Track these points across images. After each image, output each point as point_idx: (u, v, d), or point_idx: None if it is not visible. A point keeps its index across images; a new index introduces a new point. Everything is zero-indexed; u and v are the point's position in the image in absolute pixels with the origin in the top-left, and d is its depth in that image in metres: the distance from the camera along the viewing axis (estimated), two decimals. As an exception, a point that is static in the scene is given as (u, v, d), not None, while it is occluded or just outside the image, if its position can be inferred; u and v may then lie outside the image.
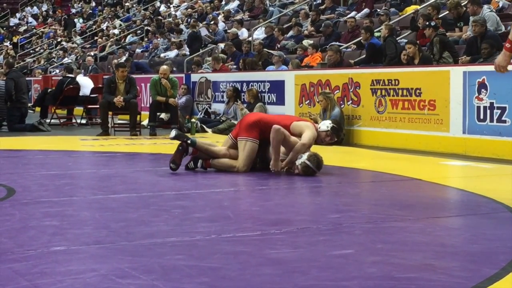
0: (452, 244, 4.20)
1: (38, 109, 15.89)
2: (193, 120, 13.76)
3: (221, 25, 20.78)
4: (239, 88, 14.16)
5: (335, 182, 6.91)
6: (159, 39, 22.52)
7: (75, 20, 34.64)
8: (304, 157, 7.09)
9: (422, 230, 4.56)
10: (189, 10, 25.23)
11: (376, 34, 13.67)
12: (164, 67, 13.51)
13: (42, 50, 32.03)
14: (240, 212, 5.15)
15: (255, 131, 7.39)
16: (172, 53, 20.49)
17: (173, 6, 27.70)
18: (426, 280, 3.32)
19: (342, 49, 13.67)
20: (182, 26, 22.95)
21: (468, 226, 4.77)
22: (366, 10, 16.25)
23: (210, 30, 20.37)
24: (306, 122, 7.63)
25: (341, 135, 7.70)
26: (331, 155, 8.31)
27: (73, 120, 16.45)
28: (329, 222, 4.80)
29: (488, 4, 12.14)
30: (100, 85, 16.74)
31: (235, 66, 16.37)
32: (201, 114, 15.13)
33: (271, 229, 4.46)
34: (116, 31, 28.34)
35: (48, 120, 15.47)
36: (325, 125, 7.50)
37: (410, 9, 15.02)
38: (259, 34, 18.18)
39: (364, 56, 13.26)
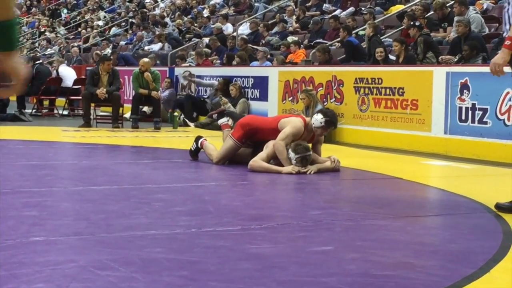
0: (431, 243, 4.22)
1: (13, 98, 15.75)
2: (175, 113, 13.74)
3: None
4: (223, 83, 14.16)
5: (317, 179, 6.92)
6: (143, 32, 22.45)
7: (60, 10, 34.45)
8: (291, 153, 7.09)
9: (401, 229, 4.58)
10: (176, 3, 25.15)
11: (361, 33, 13.71)
12: (145, 60, 13.46)
13: (25, 40, 31.80)
14: (221, 206, 5.15)
15: (241, 133, 7.50)
16: (156, 46, 20.43)
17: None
18: (404, 278, 3.33)
19: (329, 47, 13.67)
20: (167, 20, 22.88)
21: (447, 226, 4.80)
22: (351, 9, 16.28)
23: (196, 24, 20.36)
24: (292, 118, 7.49)
25: (336, 122, 7.56)
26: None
27: (55, 111, 16.37)
28: (309, 218, 4.81)
29: (474, 6, 12.20)
30: (83, 77, 16.67)
31: (219, 61, 16.35)
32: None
33: (251, 224, 4.46)
34: (101, 23, 28.21)
35: (29, 111, 15.38)
36: (318, 121, 7.27)
37: (395, 9, 15.08)
38: (244, 29, 18.17)
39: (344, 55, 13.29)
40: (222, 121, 8.38)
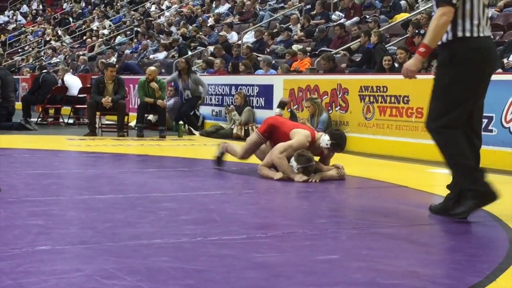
0: (437, 252, 4.22)
1: (19, 106, 15.81)
2: (180, 122, 13.76)
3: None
4: (228, 91, 14.19)
5: (322, 188, 6.92)
6: (148, 40, 22.50)
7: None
8: (294, 163, 7.10)
9: (407, 237, 4.57)
10: (181, 12, 25.22)
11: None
12: (151, 68, 13.48)
13: (30, 49, 31.91)
14: (226, 215, 5.15)
15: (264, 128, 7.61)
16: (161, 55, 20.47)
17: (165, 7, 27.68)
18: (410, 287, 3.33)
19: (333, 56, 13.69)
20: (172, 28, 22.94)
21: (453, 234, 4.79)
22: (356, 18, 16.30)
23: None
24: (301, 131, 7.42)
25: (343, 146, 7.50)
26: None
27: (60, 120, 16.41)
28: (315, 227, 4.80)
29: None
30: (89, 85, 16.71)
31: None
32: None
33: (257, 233, 4.46)
34: (106, 32, 28.29)
35: (35, 119, 15.42)
36: (325, 142, 7.26)
37: (399, 17, 15.09)
38: (249, 37, 18.21)
39: (358, 59, 13.28)
40: (277, 111, 8.60)
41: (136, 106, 14.61)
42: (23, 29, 36.75)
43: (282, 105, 8.79)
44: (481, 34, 4.96)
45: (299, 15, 18.33)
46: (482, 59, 5.01)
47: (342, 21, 16.34)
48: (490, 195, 5.02)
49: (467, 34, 4.95)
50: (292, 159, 7.12)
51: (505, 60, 10.14)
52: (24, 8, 40.79)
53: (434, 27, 4.97)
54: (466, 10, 4.93)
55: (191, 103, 14.22)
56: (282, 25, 17.91)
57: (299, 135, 7.32)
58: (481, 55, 5.00)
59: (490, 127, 8.91)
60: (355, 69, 12.68)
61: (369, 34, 13.39)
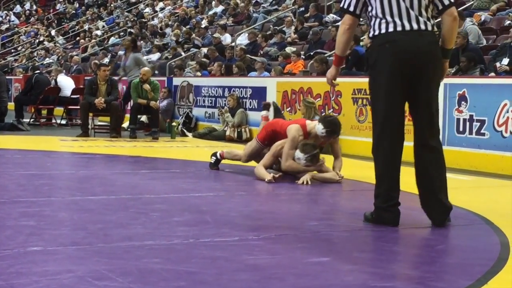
0: (428, 254, 4.22)
1: (12, 107, 15.77)
2: (173, 123, 13.75)
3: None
4: (221, 93, 14.20)
5: (314, 190, 6.93)
6: (141, 41, 22.48)
7: (56, 21, 34.51)
8: (300, 154, 7.21)
9: (399, 240, 4.58)
10: (175, 13, 25.21)
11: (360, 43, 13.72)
12: (145, 69, 13.48)
13: (23, 49, 31.84)
14: (219, 217, 5.14)
15: (263, 134, 7.73)
16: (154, 56, 20.46)
17: (159, 8, 27.66)
18: (402, 290, 3.33)
19: (326, 58, 13.69)
20: (166, 30, 22.93)
21: (445, 237, 4.79)
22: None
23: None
24: (290, 127, 7.47)
25: (338, 131, 7.59)
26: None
27: (53, 121, 16.38)
28: (307, 229, 4.81)
29: (471, 18, 12.23)
30: (82, 86, 16.69)
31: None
32: (182, 118, 15.10)
33: (249, 235, 4.46)
34: (99, 32, 28.25)
35: (27, 120, 15.38)
36: (320, 131, 7.34)
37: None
38: (243, 39, 18.21)
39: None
40: (263, 113, 8.58)
41: (128, 108, 14.59)
42: (16, 29, 36.68)
43: (266, 106, 8.89)
44: (390, 29, 4.74)
45: (293, 17, 18.34)
46: (387, 54, 4.75)
47: (339, 23, 16.32)
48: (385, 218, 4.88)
49: (376, 32, 4.83)
50: (297, 152, 7.22)
51: (497, 64, 10.18)
52: (18, 8, 40.73)
53: (337, 36, 5.10)
54: (379, 9, 4.79)
55: (127, 91, 13.97)
56: (276, 27, 17.92)
57: (290, 132, 7.40)
58: (386, 50, 4.76)
59: (482, 131, 8.94)
60: (347, 72, 12.68)
61: (356, 37, 13.38)
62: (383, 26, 4.78)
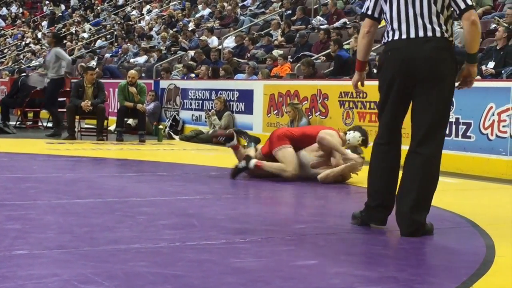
0: (415, 257, 4.23)
1: None
2: (160, 126, 13.73)
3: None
4: (208, 96, 14.20)
5: (302, 193, 6.93)
6: (128, 44, 22.43)
7: (43, 23, 34.34)
8: (356, 134, 7.64)
9: (385, 243, 4.59)
10: (161, 16, 25.17)
11: (346, 47, 13.76)
12: (133, 71, 13.43)
13: (9, 52, 31.70)
14: (205, 220, 5.14)
15: (284, 140, 7.63)
16: (141, 59, 20.41)
17: (146, 11, 27.61)
18: (388, 292, 3.34)
19: (313, 61, 13.71)
20: (152, 32, 22.89)
21: (431, 240, 4.80)
22: (337, 23, 16.34)
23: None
24: (332, 132, 7.76)
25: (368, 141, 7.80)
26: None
27: (39, 123, 16.31)
28: (293, 232, 4.81)
29: (459, 21, 12.25)
30: (68, 89, 16.62)
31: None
32: (168, 121, 15.07)
33: (235, 238, 4.46)
34: (86, 35, 28.17)
35: (13, 123, 15.31)
36: (356, 139, 7.68)
37: (383, 22, 15.10)
38: (229, 42, 18.21)
39: (332, 68, 13.32)
40: (232, 143, 8.10)
41: (116, 110, 14.56)
42: (3, 32, 36.51)
43: (228, 139, 8.23)
44: (396, 37, 4.78)
45: (279, 20, 18.36)
46: (389, 61, 4.83)
47: (324, 26, 16.35)
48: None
49: (385, 40, 4.89)
50: (351, 132, 7.66)
51: (483, 67, 10.22)
52: (4, 10, 40.54)
53: (357, 40, 5.06)
54: (388, 16, 4.85)
55: (50, 88, 13.91)
56: (261, 32, 17.95)
57: (332, 136, 7.61)
58: (388, 57, 4.84)
59: (468, 134, 8.97)
60: (333, 76, 12.70)
61: (339, 42, 13.41)
62: (390, 34, 4.84)
